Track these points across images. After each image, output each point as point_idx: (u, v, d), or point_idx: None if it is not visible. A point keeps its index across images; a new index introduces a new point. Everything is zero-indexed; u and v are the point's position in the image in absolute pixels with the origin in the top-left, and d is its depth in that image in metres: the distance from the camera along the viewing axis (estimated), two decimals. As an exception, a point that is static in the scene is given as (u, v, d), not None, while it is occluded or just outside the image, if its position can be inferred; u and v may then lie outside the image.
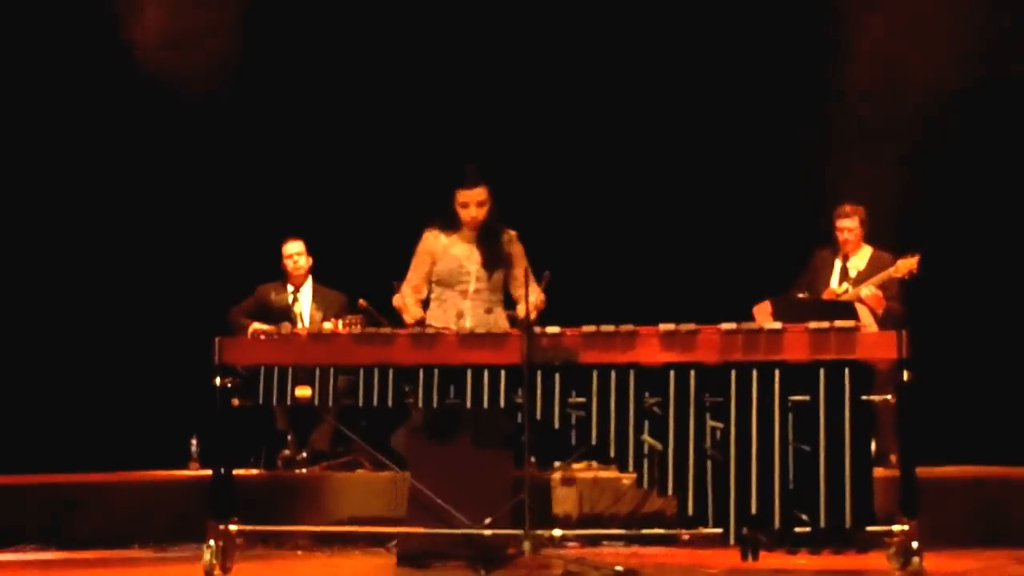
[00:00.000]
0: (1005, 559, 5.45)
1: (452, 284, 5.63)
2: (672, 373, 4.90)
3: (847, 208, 7.00)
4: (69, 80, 8.38)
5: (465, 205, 5.61)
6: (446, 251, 5.65)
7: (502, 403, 5.01)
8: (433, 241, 5.69)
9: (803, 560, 5.39)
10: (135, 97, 8.39)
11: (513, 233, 5.72)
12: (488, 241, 5.63)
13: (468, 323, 5.47)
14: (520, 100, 8.23)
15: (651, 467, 4.87)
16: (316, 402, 5.20)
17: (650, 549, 5.90)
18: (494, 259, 5.62)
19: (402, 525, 5.54)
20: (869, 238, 7.03)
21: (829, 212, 7.07)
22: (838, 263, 7.03)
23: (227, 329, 6.69)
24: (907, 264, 6.74)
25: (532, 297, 5.45)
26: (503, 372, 5.02)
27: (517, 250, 5.69)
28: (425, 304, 5.73)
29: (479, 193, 5.59)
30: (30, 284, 8.42)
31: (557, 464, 6.53)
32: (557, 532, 5.16)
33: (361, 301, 6.82)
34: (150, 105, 8.41)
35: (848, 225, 6.97)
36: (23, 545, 6.41)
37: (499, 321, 5.59)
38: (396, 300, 5.74)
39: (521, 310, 5.48)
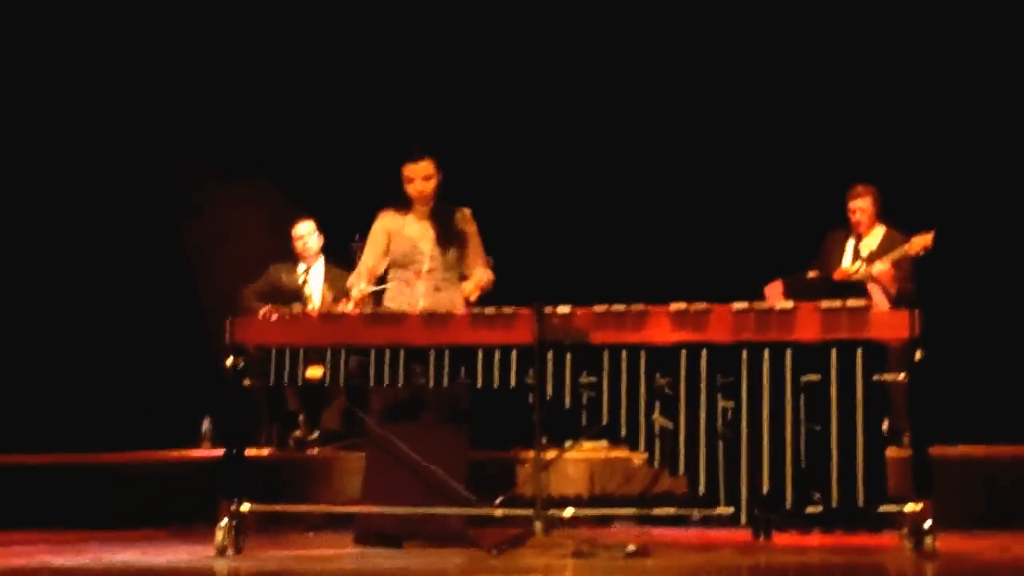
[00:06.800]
0: (1019, 539, 5.43)
1: (406, 264, 5.65)
2: (683, 353, 4.88)
3: (859, 188, 6.96)
4: (65, 56, 8.40)
5: (410, 180, 5.63)
6: (400, 231, 5.68)
7: (513, 383, 5.02)
8: (389, 221, 5.72)
9: (815, 540, 5.39)
10: (138, 79, 8.42)
11: (467, 211, 5.73)
12: (441, 219, 5.65)
13: (421, 303, 5.47)
14: (530, 78, 8.21)
15: (662, 447, 4.87)
16: (327, 382, 5.22)
17: (661, 529, 5.90)
18: (447, 237, 5.63)
19: (358, 504, 5.59)
20: (882, 218, 6.99)
21: (842, 192, 7.04)
22: (851, 243, 6.99)
23: (238, 309, 6.70)
24: (921, 241, 6.69)
25: (480, 276, 5.59)
26: (514, 352, 5.02)
27: (471, 228, 5.71)
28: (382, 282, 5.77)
29: (424, 167, 5.61)
30: (44, 265, 8.44)
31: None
32: (568, 512, 5.15)
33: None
34: (158, 86, 8.43)
35: (860, 205, 6.93)
36: (36, 525, 6.43)
37: (453, 299, 5.57)
38: (350, 280, 5.76)
39: (467, 287, 5.58)
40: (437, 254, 5.63)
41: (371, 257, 5.74)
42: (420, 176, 5.62)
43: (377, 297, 5.69)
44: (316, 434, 7.34)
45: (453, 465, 5.40)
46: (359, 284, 5.63)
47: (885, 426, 5.29)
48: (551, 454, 5.11)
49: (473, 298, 5.57)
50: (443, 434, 5.48)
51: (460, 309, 5.24)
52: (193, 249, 8.40)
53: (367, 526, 5.50)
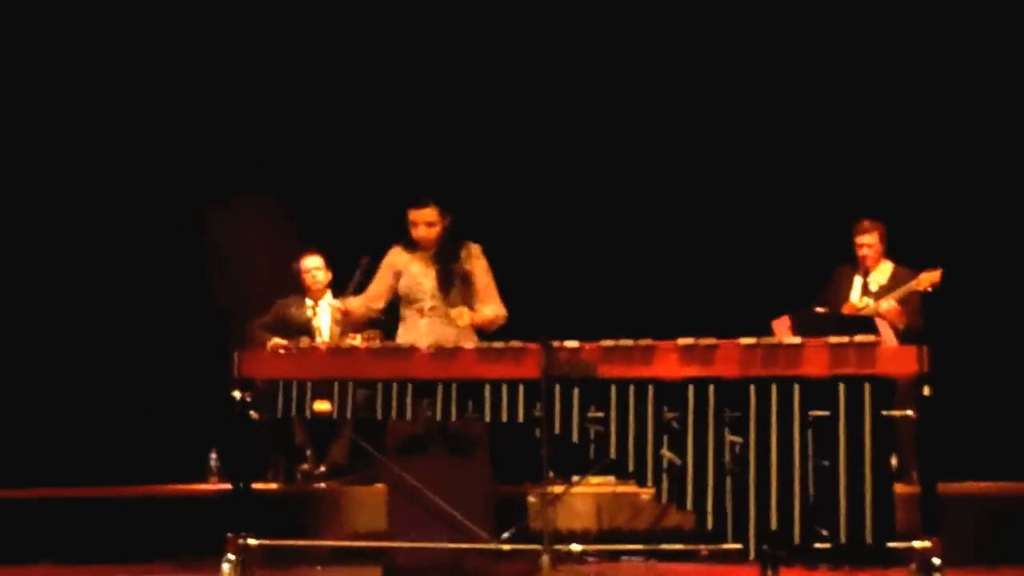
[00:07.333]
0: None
1: (411, 302, 5.79)
2: (691, 388, 4.88)
3: (866, 224, 6.97)
4: (78, 78, 8.45)
5: (414, 224, 5.76)
6: (406, 269, 5.80)
7: (520, 417, 5.01)
8: (396, 257, 5.85)
9: (823, 576, 5.36)
10: (149, 112, 8.47)
11: (475, 247, 5.81)
12: (444, 259, 5.74)
13: (425, 341, 5.46)
14: (537, 111, 8.24)
15: (670, 482, 4.85)
16: (335, 416, 5.22)
17: (669, 564, 5.87)
18: (449, 277, 5.73)
19: (387, 539, 5.60)
20: (889, 254, 7.00)
21: (849, 227, 7.05)
22: (858, 278, 6.99)
23: (246, 343, 6.70)
24: (930, 277, 6.70)
25: (488, 311, 5.69)
26: (521, 386, 5.01)
27: (479, 265, 5.78)
28: (380, 323, 5.92)
29: (427, 214, 5.72)
30: (51, 298, 8.46)
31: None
32: (576, 547, 5.14)
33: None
34: (167, 122, 8.48)
35: (867, 241, 6.94)
36: (43, 559, 6.42)
37: (457, 337, 5.56)
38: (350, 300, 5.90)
39: (454, 311, 5.63)
40: (438, 293, 5.72)
41: (374, 286, 5.88)
42: (423, 222, 5.73)
43: (388, 333, 5.76)
44: (323, 468, 7.33)
45: (476, 500, 5.40)
46: (337, 301, 5.86)
47: (893, 462, 5.27)
48: (559, 489, 5.10)
49: (460, 323, 5.61)
50: (463, 469, 5.49)
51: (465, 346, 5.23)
52: (202, 282, 8.41)
53: (394, 561, 5.51)
